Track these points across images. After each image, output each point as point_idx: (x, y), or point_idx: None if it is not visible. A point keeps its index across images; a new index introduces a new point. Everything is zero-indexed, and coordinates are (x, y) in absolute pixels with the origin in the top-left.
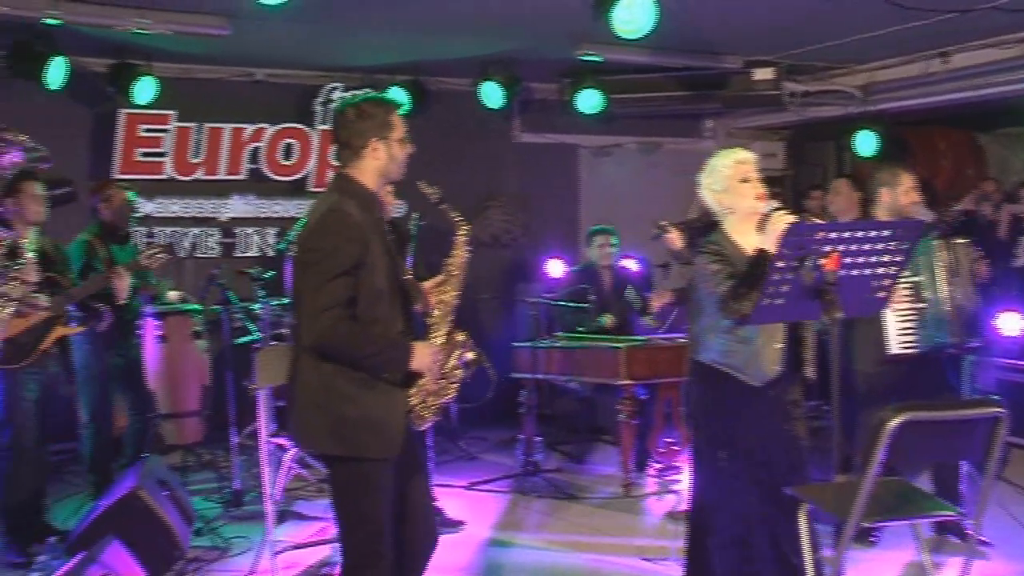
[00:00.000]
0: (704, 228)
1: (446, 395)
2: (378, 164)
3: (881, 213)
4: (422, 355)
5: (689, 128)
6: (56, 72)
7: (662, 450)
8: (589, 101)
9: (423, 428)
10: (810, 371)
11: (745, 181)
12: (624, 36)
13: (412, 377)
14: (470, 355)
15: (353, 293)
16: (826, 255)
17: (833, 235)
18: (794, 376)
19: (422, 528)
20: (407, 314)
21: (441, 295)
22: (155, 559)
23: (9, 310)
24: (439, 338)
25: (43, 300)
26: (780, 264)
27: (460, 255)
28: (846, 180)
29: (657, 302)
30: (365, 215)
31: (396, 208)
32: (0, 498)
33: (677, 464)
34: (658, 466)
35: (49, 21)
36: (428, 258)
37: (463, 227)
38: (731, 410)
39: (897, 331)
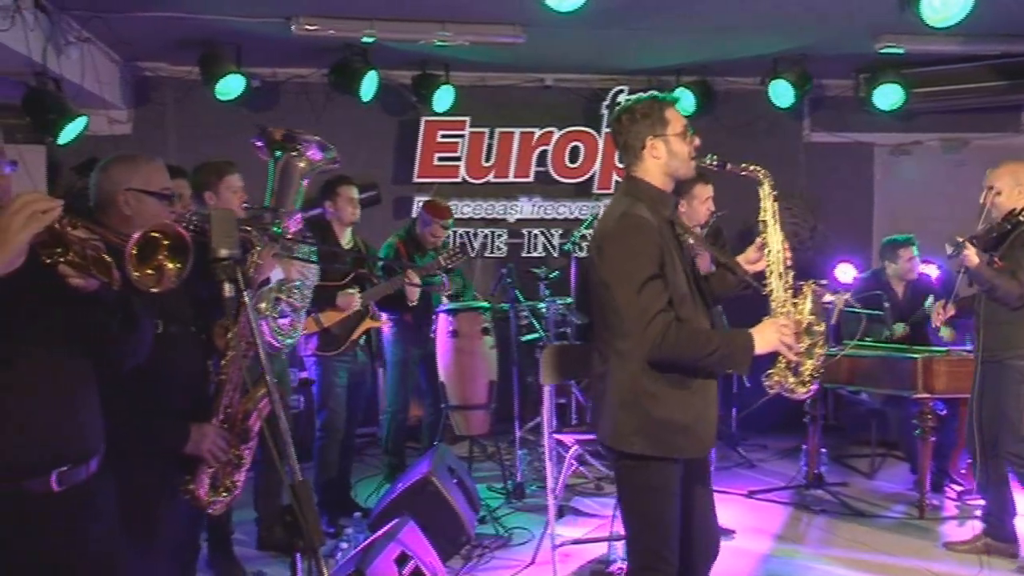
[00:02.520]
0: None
1: (818, 353)
2: (659, 162)
3: None
4: (766, 335)
5: (1003, 122)
6: (369, 85)
7: (964, 471)
8: (888, 97)
9: (804, 397)
10: None
11: None
12: (934, 25)
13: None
14: (828, 297)
15: (668, 295)
16: None
17: None
18: None
19: (706, 536)
20: (708, 313)
21: (767, 255)
22: (445, 541)
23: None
24: (781, 300)
25: (356, 296)
26: None
27: (768, 207)
28: None
29: (939, 319)
30: (656, 216)
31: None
32: (314, 474)
33: None
34: (958, 488)
35: (365, 39)
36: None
37: (763, 177)
38: None
39: None
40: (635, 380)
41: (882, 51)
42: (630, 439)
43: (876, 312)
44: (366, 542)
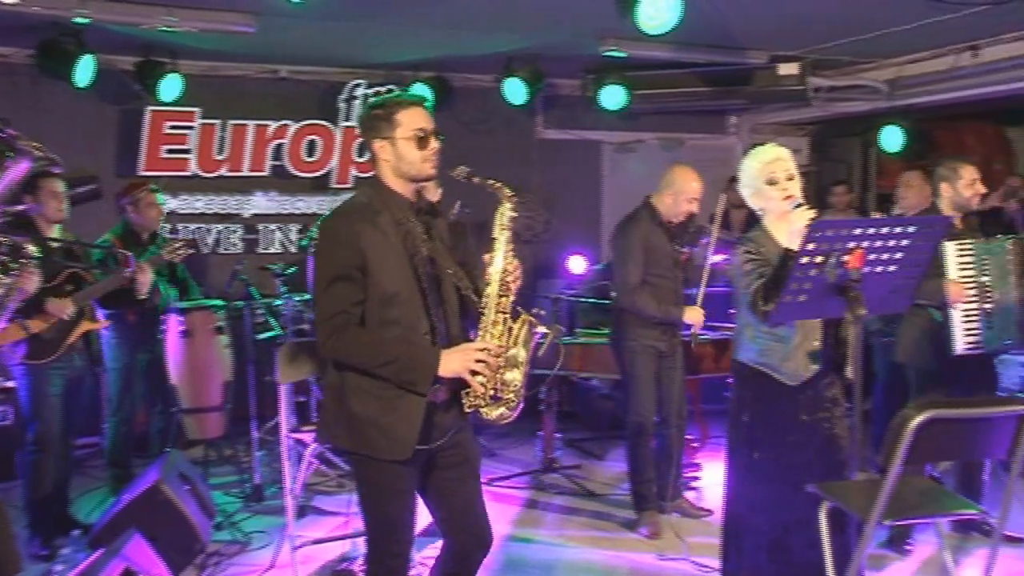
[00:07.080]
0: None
1: (517, 382)
2: (389, 164)
3: (945, 208)
4: (454, 361)
5: (713, 124)
6: (84, 70)
7: None
8: (612, 97)
9: (506, 420)
10: (850, 371)
11: (772, 183)
12: (649, 32)
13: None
14: (541, 329)
15: (359, 297)
16: (850, 252)
17: (857, 232)
18: (834, 376)
19: (476, 524)
20: (447, 314)
21: (489, 273)
22: (176, 552)
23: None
24: (491, 324)
25: (69, 303)
26: (803, 261)
27: (501, 227)
28: (918, 172)
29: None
30: (379, 216)
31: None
32: (25, 491)
33: (696, 461)
34: None
35: (78, 20)
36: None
37: (506, 198)
38: (765, 410)
39: (963, 331)
40: (342, 376)
41: (606, 54)
42: (334, 432)
43: (605, 301)
44: (86, 562)
